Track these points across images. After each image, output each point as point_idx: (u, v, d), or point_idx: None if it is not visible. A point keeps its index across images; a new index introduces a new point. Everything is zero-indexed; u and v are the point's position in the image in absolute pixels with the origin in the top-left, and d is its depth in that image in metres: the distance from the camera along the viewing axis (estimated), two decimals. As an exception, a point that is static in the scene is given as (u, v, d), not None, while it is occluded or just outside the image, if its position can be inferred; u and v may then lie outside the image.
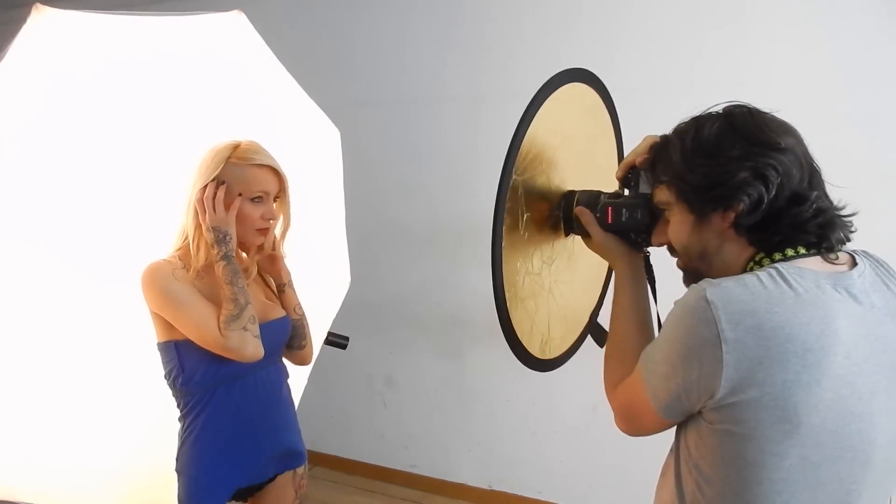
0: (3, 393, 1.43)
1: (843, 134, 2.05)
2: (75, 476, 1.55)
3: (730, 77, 2.24)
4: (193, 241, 1.44)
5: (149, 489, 1.62)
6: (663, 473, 0.99)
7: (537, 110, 1.11)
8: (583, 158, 1.30)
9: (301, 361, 1.67)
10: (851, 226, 0.91)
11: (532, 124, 1.10)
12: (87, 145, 1.42)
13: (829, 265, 0.88)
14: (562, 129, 1.21)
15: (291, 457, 1.60)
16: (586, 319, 1.38)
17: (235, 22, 1.63)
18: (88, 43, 1.42)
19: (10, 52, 1.31)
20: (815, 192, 0.87)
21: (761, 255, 0.89)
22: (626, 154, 1.10)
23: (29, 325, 1.41)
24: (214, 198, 1.41)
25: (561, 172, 1.21)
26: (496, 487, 2.93)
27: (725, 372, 0.79)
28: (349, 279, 2.03)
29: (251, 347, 1.39)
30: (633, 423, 0.97)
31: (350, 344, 1.97)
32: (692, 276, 0.95)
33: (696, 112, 0.95)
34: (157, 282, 1.38)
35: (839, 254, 0.90)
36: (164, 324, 1.42)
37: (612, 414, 1.01)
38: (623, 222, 1.08)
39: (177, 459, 1.48)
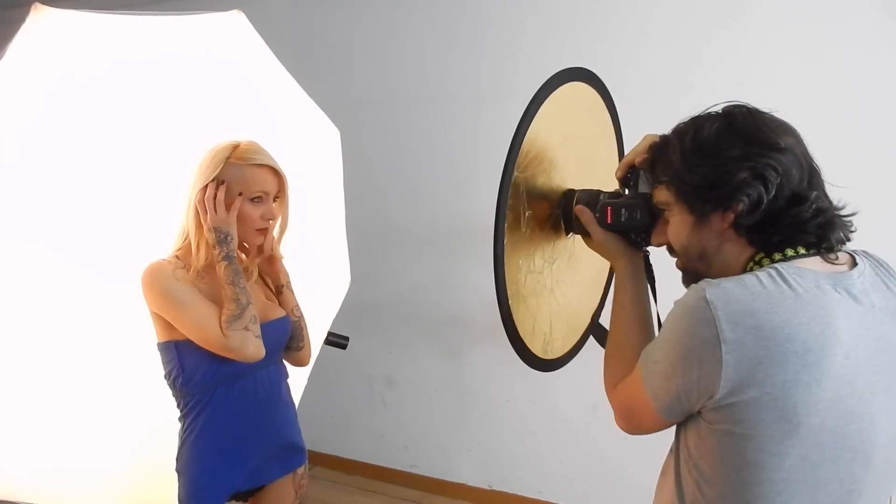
0: (3, 393, 1.43)
1: (843, 134, 2.05)
2: (75, 476, 1.55)
3: (730, 77, 2.24)
4: (194, 241, 1.44)
5: (149, 489, 1.62)
6: (663, 473, 0.99)
7: (538, 109, 1.11)
8: (583, 158, 1.30)
9: (298, 363, 1.67)
10: (851, 226, 0.91)
11: (532, 123, 1.10)
12: (87, 145, 1.42)
13: (829, 265, 0.87)
14: (562, 129, 1.21)
15: (292, 453, 1.60)
16: (587, 322, 1.38)
17: (235, 22, 1.64)
18: (88, 43, 1.42)
19: (9, 52, 1.32)
20: (815, 192, 0.87)
21: (761, 255, 0.89)
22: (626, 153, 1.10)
23: (29, 326, 1.41)
24: (215, 198, 1.41)
25: (561, 172, 1.21)
26: (496, 487, 2.93)
27: (725, 372, 0.79)
28: (349, 279, 2.03)
29: (252, 347, 1.40)
30: (633, 422, 0.97)
31: (350, 344, 1.97)
32: (692, 276, 0.95)
33: (696, 112, 0.95)
34: (158, 282, 1.39)
35: (839, 254, 0.89)
36: (165, 324, 1.42)
37: (612, 413, 1.01)
38: (622, 222, 1.08)
39: (177, 459, 1.48)
